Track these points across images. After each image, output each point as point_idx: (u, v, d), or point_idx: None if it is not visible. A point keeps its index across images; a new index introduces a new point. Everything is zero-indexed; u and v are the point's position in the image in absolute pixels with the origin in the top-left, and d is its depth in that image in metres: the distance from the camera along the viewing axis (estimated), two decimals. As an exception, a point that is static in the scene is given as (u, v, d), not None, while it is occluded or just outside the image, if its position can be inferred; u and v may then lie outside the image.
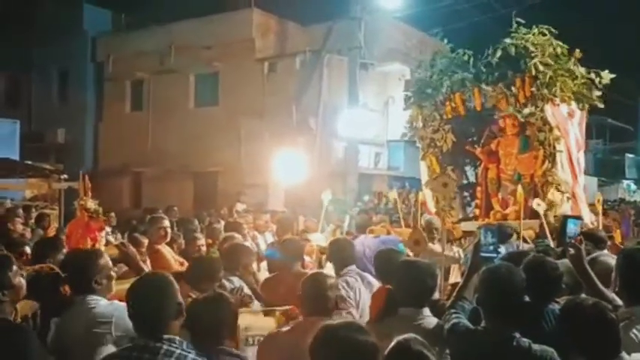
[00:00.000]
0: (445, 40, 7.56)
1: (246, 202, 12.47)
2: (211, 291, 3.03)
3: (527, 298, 2.79)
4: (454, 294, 3.11)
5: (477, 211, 7.31)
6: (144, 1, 18.31)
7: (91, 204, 4.19)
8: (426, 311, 2.98)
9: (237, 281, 3.87)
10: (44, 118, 19.70)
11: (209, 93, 17.21)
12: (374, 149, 16.59)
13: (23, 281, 2.76)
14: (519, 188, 6.02)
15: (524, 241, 5.41)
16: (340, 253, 4.28)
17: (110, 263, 3.09)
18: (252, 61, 16.04)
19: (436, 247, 5.90)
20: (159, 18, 17.21)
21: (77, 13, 19.46)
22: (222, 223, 7.30)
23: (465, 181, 7.98)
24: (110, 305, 2.84)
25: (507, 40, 6.57)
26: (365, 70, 15.06)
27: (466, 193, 7.86)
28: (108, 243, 4.86)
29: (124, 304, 2.55)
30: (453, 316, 2.88)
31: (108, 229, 5.31)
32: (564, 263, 3.18)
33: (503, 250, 3.35)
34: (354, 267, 4.19)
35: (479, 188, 7.33)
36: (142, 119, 18.29)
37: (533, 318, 2.84)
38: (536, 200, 6.11)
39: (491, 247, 3.08)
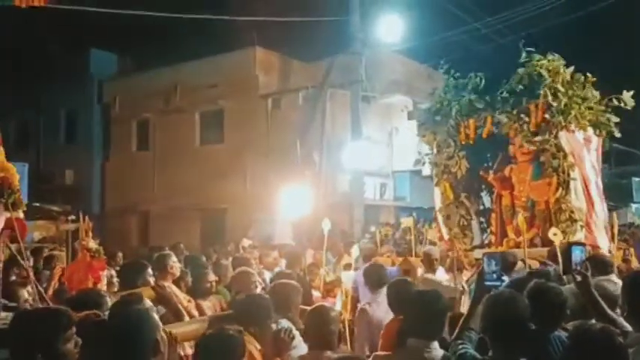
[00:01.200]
0: (452, 71, 7.42)
1: (254, 237, 12.47)
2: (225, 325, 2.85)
3: (532, 326, 2.77)
4: (460, 324, 3.10)
5: (492, 238, 7.24)
6: (148, 44, 18.74)
7: (93, 244, 4.20)
8: (435, 344, 2.95)
9: (285, 323, 3.55)
10: (52, 160, 19.96)
11: (214, 131, 17.41)
12: (379, 180, 16.63)
13: (73, 348, 2.40)
14: (520, 216, 5.94)
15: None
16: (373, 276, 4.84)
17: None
18: (256, 98, 16.27)
19: (437, 276, 5.89)
20: (163, 59, 17.59)
21: (84, 57, 19.94)
22: (230, 259, 7.29)
23: (481, 207, 7.92)
24: None
25: (521, 70, 6.50)
26: (367, 102, 15.24)
27: (482, 219, 7.77)
28: (110, 283, 4.79)
29: None
30: (460, 346, 2.86)
31: (113, 271, 5.24)
32: (567, 289, 3.17)
33: (506, 279, 3.33)
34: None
35: (493, 215, 7.28)
36: (149, 158, 18.49)
37: (539, 345, 2.81)
38: (553, 230, 5.95)
39: (495, 275, 3.07)
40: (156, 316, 2.44)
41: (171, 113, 17.76)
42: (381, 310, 4.51)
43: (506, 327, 2.63)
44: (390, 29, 14.11)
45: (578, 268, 3.08)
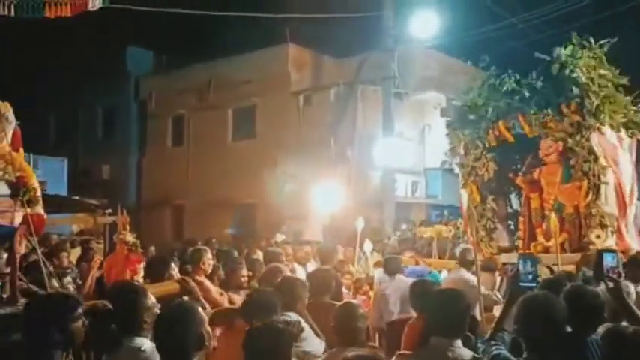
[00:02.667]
0: (492, 67, 7.18)
1: (287, 233, 12.56)
2: (268, 321, 2.89)
3: (568, 328, 2.73)
4: (493, 325, 3.07)
5: (520, 242, 7.03)
6: (183, 41, 19.06)
7: (130, 237, 4.33)
8: (458, 342, 2.93)
9: (294, 316, 3.63)
10: (90, 155, 20.51)
11: (246, 127, 17.59)
12: (411, 178, 16.51)
13: (81, 327, 2.63)
14: (552, 217, 5.78)
15: None
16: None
17: (154, 301, 3.09)
18: (287, 95, 16.36)
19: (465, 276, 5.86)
20: (198, 56, 17.86)
21: (121, 55, 20.40)
22: (260, 253, 7.38)
23: (510, 210, 7.80)
24: (155, 352, 2.80)
25: (563, 52, 6.21)
26: (400, 99, 15.12)
27: (510, 222, 7.66)
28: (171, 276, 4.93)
29: None
30: (494, 347, 2.83)
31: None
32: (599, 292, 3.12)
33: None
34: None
35: (521, 219, 7.09)
36: (183, 154, 18.81)
37: (576, 348, 2.77)
38: (595, 232, 5.83)
39: (530, 277, 3.03)
40: (202, 311, 2.47)
41: (205, 109, 18.03)
42: (392, 289, 5.93)
43: (541, 329, 2.60)
44: (424, 25, 13.94)
45: (610, 274, 3.02)
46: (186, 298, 3.88)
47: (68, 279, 5.66)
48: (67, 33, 17.61)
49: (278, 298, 3.52)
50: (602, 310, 3.00)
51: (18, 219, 3.74)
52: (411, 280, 5.10)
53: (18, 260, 3.69)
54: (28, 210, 3.72)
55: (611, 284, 2.98)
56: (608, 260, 3.05)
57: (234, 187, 16.27)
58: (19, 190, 3.70)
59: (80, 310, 2.63)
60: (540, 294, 2.83)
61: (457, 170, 7.55)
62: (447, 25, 14.28)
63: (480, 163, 7.18)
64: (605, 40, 6.37)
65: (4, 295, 3.54)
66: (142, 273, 4.26)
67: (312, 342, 3.49)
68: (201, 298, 3.85)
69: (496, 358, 2.75)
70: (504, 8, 14.45)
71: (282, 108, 16.36)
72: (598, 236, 5.84)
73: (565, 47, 6.34)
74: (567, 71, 6.17)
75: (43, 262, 4.06)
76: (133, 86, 20.43)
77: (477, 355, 2.89)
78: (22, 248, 3.89)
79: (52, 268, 5.82)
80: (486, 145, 7.10)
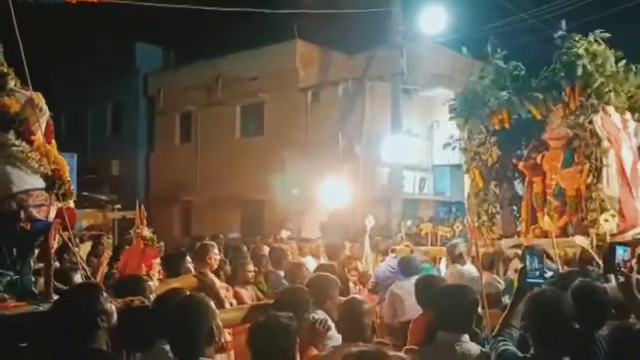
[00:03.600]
0: (499, 50, 7.19)
1: (291, 230, 12.57)
2: (272, 315, 2.84)
3: (575, 325, 2.72)
4: (500, 321, 3.07)
5: (523, 226, 7.10)
6: (191, 38, 19.08)
7: (147, 232, 4.34)
8: (465, 337, 2.94)
9: (321, 314, 3.54)
10: (99, 151, 20.62)
11: (254, 123, 17.62)
12: (419, 174, 16.47)
13: (113, 308, 2.68)
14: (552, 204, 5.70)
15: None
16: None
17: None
18: (295, 91, 16.35)
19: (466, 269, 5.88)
20: (206, 53, 17.88)
21: (130, 51, 20.47)
22: (267, 249, 7.40)
23: (515, 195, 7.73)
24: None
25: (562, 43, 6.26)
26: (408, 95, 15.08)
27: (514, 207, 7.62)
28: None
29: None
30: (501, 343, 2.82)
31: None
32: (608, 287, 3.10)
33: (549, 276, 3.27)
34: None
35: (523, 203, 7.13)
36: (191, 150, 18.87)
37: (583, 344, 2.76)
38: (604, 215, 5.79)
39: (537, 273, 3.02)
40: (213, 305, 2.46)
41: (213, 106, 18.07)
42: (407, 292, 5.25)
43: (549, 325, 2.60)
44: (432, 21, 13.89)
45: (621, 268, 3.00)
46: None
47: (78, 276, 5.70)
48: (76, 28, 17.74)
49: (309, 295, 3.49)
50: (610, 306, 2.98)
51: (53, 213, 3.69)
52: None
53: (52, 256, 3.65)
54: (63, 204, 3.68)
55: (622, 278, 2.96)
56: (620, 253, 3.02)
57: (242, 183, 16.31)
58: (54, 183, 3.65)
59: (105, 294, 2.66)
60: (548, 290, 2.82)
61: (462, 155, 7.53)
62: (457, 20, 14.21)
63: (483, 148, 7.22)
64: (606, 34, 6.33)
65: (37, 292, 3.50)
66: (157, 268, 4.27)
67: (339, 340, 3.44)
68: (219, 293, 3.86)
69: (503, 354, 2.74)
70: (514, 3, 14.35)
71: (290, 104, 16.36)
72: (607, 220, 5.78)
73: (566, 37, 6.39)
74: (571, 54, 6.16)
75: (79, 256, 4.01)
76: (142, 83, 20.51)
77: (484, 350, 2.88)
78: (55, 243, 3.88)
79: (58, 264, 5.88)
80: (490, 130, 7.12)
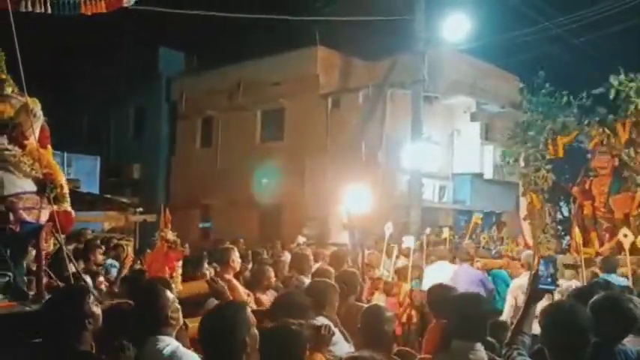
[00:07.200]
0: (546, 85, 8.22)
1: (308, 235, 12.55)
2: (282, 322, 2.83)
3: (593, 338, 2.67)
4: (513, 328, 3.02)
5: (573, 245, 7.62)
6: (214, 43, 19.27)
7: (171, 235, 4.39)
8: (479, 346, 2.91)
9: (322, 319, 3.54)
10: (121, 154, 20.91)
11: (275, 129, 17.69)
12: (438, 182, 16.35)
13: (99, 311, 2.75)
14: (576, 229, 6.55)
15: None
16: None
17: (174, 296, 3.08)
18: (316, 97, 16.39)
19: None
20: (228, 58, 18.03)
21: (153, 56, 20.75)
22: (288, 255, 7.38)
23: (560, 217, 8.54)
24: (177, 352, 2.79)
25: (614, 82, 7.16)
26: (429, 103, 14.99)
27: (560, 227, 8.39)
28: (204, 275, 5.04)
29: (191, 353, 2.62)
30: (515, 352, 2.79)
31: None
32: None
33: (561, 283, 3.24)
34: None
35: (574, 224, 7.73)
36: (212, 154, 19.02)
37: (602, 358, 2.71)
38: (624, 230, 6.38)
39: (550, 279, 2.99)
40: (249, 314, 2.42)
41: (234, 111, 18.20)
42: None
43: (565, 339, 2.57)
44: (454, 28, 13.78)
45: None
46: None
47: (101, 279, 5.78)
48: (100, 34, 18.04)
49: (308, 300, 3.48)
50: (632, 320, 2.92)
51: (44, 216, 3.76)
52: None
53: (44, 257, 3.72)
54: (55, 207, 3.73)
55: None
56: None
57: (261, 188, 16.36)
58: (45, 186, 3.72)
59: (92, 297, 2.75)
60: (566, 303, 2.80)
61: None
62: (479, 28, 14.11)
63: (539, 174, 8.13)
64: None
65: (30, 293, 3.56)
66: (180, 271, 4.31)
67: (342, 346, 3.46)
68: (230, 298, 3.87)
69: None
70: (537, 11, 14.21)
71: (311, 110, 16.39)
72: (626, 235, 6.31)
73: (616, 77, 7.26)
74: (623, 95, 7.11)
75: (69, 258, 4.09)
76: (165, 87, 20.76)
77: (497, 359, 2.85)
78: (48, 245, 3.93)
79: (83, 265, 5.95)
80: (545, 158, 8.10)
